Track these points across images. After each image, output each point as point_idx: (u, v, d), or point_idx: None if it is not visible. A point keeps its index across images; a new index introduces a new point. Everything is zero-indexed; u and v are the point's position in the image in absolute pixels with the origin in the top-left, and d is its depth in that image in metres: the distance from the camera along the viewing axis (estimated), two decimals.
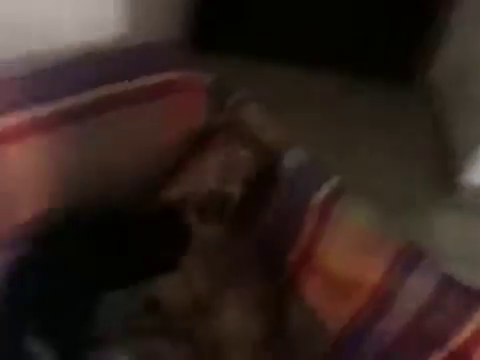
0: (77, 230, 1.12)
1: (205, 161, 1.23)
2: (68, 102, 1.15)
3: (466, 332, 1.02)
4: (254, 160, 1.25)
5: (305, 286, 1.21)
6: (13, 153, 1.09)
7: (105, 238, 1.11)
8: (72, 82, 1.18)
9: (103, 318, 1.08)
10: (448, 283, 1.06)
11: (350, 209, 1.18)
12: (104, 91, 1.19)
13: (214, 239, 1.18)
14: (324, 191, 1.20)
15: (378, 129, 2.15)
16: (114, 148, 1.21)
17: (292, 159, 1.26)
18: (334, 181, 1.22)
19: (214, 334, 1.07)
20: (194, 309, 1.10)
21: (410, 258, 1.10)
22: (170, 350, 1.05)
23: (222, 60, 1.69)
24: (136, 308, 1.11)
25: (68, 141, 1.15)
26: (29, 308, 1.08)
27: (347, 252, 1.17)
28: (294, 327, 1.19)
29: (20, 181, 1.11)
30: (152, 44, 1.35)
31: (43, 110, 1.12)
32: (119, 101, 1.21)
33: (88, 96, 1.17)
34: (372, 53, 2.45)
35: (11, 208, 1.11)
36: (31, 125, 1.10)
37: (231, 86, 1.40)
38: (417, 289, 1.08)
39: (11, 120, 1.09)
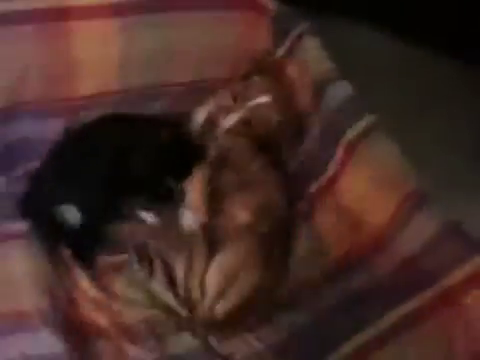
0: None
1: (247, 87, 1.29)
2: None
3: (456, 277, 1.05)
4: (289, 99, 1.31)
5: (318, 216, 1.28)
6: (81, 30, 1.24)
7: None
8: None
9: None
10: (450, 229, 1.09)
11: (374, 147, 1.23)
12: None
13: (238, 150, 1.27)
14: (356, 128, 1.25)
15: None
16: (176, 47, 1.33)
17: (336, 92, 1.32)
18: (368, 119, 1.26)
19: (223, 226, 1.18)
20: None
21: (419, 200, 1.14)
22: None
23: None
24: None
25: (134, 29, 1.27)
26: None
27: (362, 189, 1.22)
28: (300, 248, 1.26)
29: (82, 58, 1.26)
30: None
31: None
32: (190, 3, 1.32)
33: None
34: None
35: (73, 80, 1.26)
36: (106, 8, 1.24)
37: (296, 18, 1.46)
38: (419, 230, 1.12)
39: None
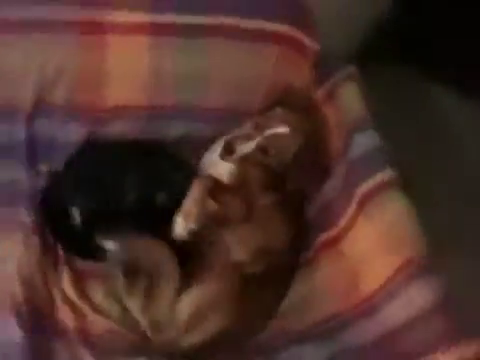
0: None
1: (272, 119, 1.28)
2: (188, 19, 1.30)
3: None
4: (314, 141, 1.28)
5: (320, 267, 1.25)
6: (116, 44, 1.27)
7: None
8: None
9: None
10: (440, 307, 1.02)
11: (386, 204, 1.17)
12: (222, 19, 1.31)
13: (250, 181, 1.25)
14: (373, 181, 1.22)
15: None
16: (211, 72, 1.33)
17: (363, 141, 1.29)
18: (387, 173, 1.22)
19: None
20: None
21: (417, 268, 1.09)
22: None
23: None
24: None
25: (168, 50, 1.30)
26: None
27: (365, 247, 1.18)
28: (293, 296, 1.22)
29: (113, 71, 1.29)
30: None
31: (163, 18, 1.29)
32: (234, 32, 1.33)
33: (206, 19, 1.31)
34: None
35: (102, 90, 1.31)
36: (143, 26, 1.28)
37: (341, 62, 1.45)
38: (409, 302, 1.07)
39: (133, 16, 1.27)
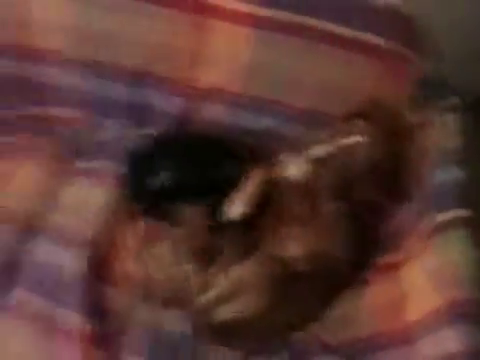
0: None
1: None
2: (294, 17, 1.34)
3: None
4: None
5: (372, 288, 1.23)
6: (219, 29, 1.35)
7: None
8: (315, 3, 1.35)
9: None
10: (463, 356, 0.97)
11: (449, 243, 1.13)
12: (327, 25, 1.34)
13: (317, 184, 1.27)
14: (443, 217, 1.17)
15: None
16: (302, 73, 1.37)
17: (447, 174, 1.25)
18: (459, 212, 1.17)
19: None
20: None
21: (460, 313, 1.03)
22: None
23: None
24: None
25: (268, 43, 1.35)
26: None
27: (418, 278, 1.15)
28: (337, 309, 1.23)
29: (211, 54, 1.37)
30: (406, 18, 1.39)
31: (271, 13, 1.33)
32: (336, 39, 1.34)
33: (312, 21, 1.34)
34: None
35: (197, 69, 1.39)
36: (248, 16, 1.34)
37: (446, 90, 1.40)
38: (441, 344, 1.02)
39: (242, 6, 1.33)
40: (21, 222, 1.27)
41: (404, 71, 1.38)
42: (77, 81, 1.45)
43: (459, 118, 1.35)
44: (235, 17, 1.34)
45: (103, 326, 1.15)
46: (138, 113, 1.47)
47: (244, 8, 1.34)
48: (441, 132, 1.33)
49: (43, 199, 1.32)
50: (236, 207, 1.22)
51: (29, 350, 1.11)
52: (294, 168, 1.28)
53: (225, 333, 1.17)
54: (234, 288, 1.16)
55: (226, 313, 1.16)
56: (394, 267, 1.22)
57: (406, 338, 1.09)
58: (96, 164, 1.41)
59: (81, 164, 1.42)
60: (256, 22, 1.33)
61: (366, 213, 1.28)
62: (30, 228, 1.26)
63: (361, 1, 1.36)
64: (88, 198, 1.33)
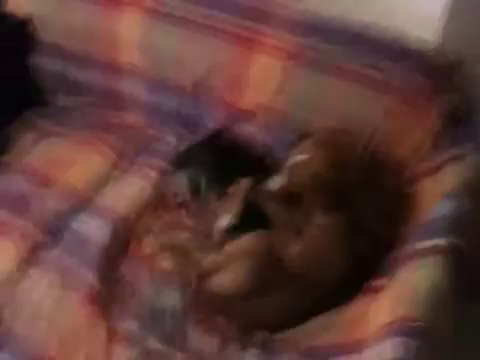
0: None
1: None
2: (323, 55, 1.52)
3: None
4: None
5: (354, 305, 1.31)
6: (261, 60, 1.57)
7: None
8: (341, 42, 1.52)
9: None
10: None
11: (422, 266, 1.18)
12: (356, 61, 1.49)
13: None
14: (422, 245, 1.22)
15: None
16: (322, 102, 1.52)
17: (442, 206, 1.29)
18: (440, 241, 1.20)
19: None
20: None
21: (401, 329, 1.08)
22: None
23: None
24: None
25: (300, 73, 1.54)
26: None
27: (384, 302, 1.20)
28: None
29: (251, 80, 1.59)
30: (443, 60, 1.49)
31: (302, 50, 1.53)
32: (361, 76, 1.48)
33: (340, 59, 1.50)
34: None
35: (237, 91, 1.62)
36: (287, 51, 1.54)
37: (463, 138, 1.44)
38: (380, 352, 1.07)
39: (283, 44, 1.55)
40: (75, 197, 1.56)
41: (422, 111, 1.46)
42: (146, 92, 1.75)
43: (474, 161, 1.37)
44: (275, 51, 1.55)
45: (112, 290, 1.37)
46: (190, 124, 1.73)
47: (280, 42, 1.56)
48: (450, 176, 1.37)
49: (97, 183, 1.62)
50: (223, 220, 1.41)
51: (54, 297, 1.35)
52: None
53: (212, 307, 1.34)
54: (226, 259, 1.34)
55: (214, 285, 1.32)
56: (377, 289, 1.27)
57: (358, 348, 1.15)
58: (148, 161, 1.68)
59: (136, 160, 1.69)
60: (289, 55, 1.54)
61: (363, 236, 1.36)
62: (80, 203, 1.55)
63: (392, 41, 1.50)
64: (131, 187, 1.60)
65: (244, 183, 1.44)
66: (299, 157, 1.37)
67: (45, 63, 1.83)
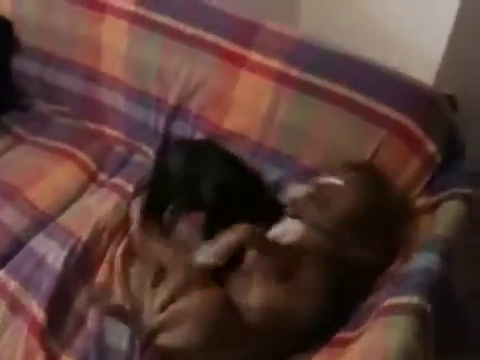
0: None
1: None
2: (312, 78, 1.39)
3: None
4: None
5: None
6: (247, 79, 1.45)
7: None
8: (335, 68, 1.40)
9: None
10: None
11: (387, 328, 1.06)
12: (341, 89, 1.36)
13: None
14: (396, 300, 1.10)
15: None
16: (316, 132, 1.40)
17: (418, 261, 1.17)
18: (413, 299, 1.08)
19: None
20: None
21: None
22: None
23: None
24: None
25: (286, 97, 1.41)
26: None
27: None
28: None
29: (238, 100, 1.47)
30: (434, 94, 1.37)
31: (291, 71, 1.40)
32: (348, 103, 1.36)
33: (327, 84, 1.37)
34: None
35: (222, 112, 1.50)
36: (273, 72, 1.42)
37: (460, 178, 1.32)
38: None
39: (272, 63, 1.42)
40: (35, 214, 1.45)
41: (413, 146, 1.34)
42: (125, 106, 1.64)
43: (464, 209, 1.25)
44: (259, 69, 1.43)
45: (58, 320, 1.25)
46: (171, 139, 1.61)
47: (268, 62, 1.42)
48: (439, 218, 1.26)
49: (62, 200, 1.50)
50: (202, 257, 1.25)
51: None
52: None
53: (162, 357, 1.21)
54: (176, 317, 1.20)
55: (166, 339, 1.20)
56: (345, 342, 1.16)
57: None
58: (118, 180, 1.56)
59: (106, 177, 1.58)
60: (277, 77, 1.41)
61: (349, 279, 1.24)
62: (39, 221, 1.43)
63: (388, 74, 1.38)
64: (96, 206, 1.47)
65: (244, 230, 1.25)
66: (334, 180, 1.26)
67: (25, 66, 1.74)
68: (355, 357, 1.06)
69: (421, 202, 1.34)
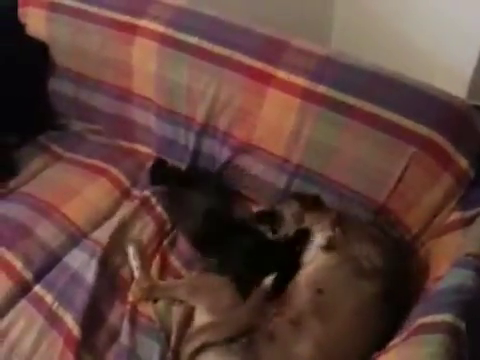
0: None
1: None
2: (338, 95, 1.40)
3: None
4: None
5: None
6: (274, 97, 1.47)
7: None
8: (361, 84, 1.41)
9: None
10: None
11: (419, 347, 1.04)
12: (367, 106, 1.37)
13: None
14: (430, 319, 1.09)
15: None
16: (343, 149, 1.42)
17: (450, 279, 1.16)
18: (447, 317, 1.06)
19: None
20: None
21: None
22: None
23: None
24: None
25: (312, 115, 1.43)
26: None
27: None
28: None
29: (261, 116, 1.50)
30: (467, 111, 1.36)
31: (317, 88, 1.42)
32: (374, 120, 1.37)
33: (353, 101, 1.39)
34: None
35: (246, 127, 1.53)
36: (301, 90, 1.44)
37: None
38: None
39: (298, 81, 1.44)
40: (71, 230, 1.50)
41: (443, 162, 1.33)
42: (156, 124, 1.69)
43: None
44: (286, 87, 1.45)
45: (91, 334, 1.29)
46: (201, 156, 1.65)
47: (294, 80, 1.44)
48: (473, 233, 1.23)
49: (96, 216, 1.56)
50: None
51: (34, 336, 1.30)
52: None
53: None
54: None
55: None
56: None
57: None
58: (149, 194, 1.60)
59: (139, 193, 1.62)
60: (303, 94, 1.43)
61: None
62: (73, 237, 1.49)
63: (416, 88, 1.38)
64: (129, 223, 1.52)
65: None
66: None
67: (61, 87, 1.80)
68: None
69: (454, 217, 1.33)
